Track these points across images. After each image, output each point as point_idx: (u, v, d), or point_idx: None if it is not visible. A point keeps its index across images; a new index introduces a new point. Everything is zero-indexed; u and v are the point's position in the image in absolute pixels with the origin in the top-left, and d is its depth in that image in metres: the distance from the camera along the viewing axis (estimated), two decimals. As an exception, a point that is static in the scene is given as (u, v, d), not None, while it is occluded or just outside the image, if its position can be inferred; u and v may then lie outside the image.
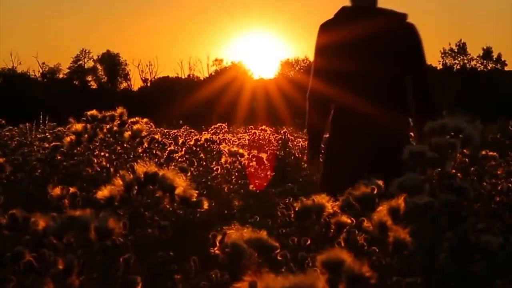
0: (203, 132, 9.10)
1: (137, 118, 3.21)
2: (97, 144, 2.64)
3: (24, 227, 1.32)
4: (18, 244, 1.26)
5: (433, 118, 2.81)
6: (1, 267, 1.30)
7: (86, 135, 2.52)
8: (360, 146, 2.80)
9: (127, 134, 2.65)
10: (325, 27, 2.94)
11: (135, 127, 2.68)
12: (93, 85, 46.04)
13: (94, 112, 2.64)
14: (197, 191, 1.38)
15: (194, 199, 1.36)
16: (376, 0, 2.90)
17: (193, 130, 9.95)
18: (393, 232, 1.14)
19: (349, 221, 1.43)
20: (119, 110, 2.71)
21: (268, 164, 4.53)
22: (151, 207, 1.53)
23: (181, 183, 1.35)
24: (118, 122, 2.64)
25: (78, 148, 3.23)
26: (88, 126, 2.57)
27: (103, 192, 1.31)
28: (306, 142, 3.20)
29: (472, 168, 3.23)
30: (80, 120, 2.91)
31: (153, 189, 1.41)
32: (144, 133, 2.69)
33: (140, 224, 1.58)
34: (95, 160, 3.02)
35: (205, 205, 1.39)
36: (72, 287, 1.03)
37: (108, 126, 2.67)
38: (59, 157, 4.01)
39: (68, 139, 2.56)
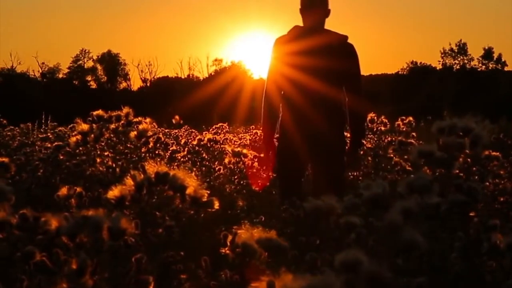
0: (204, 132, 9.08)
1: (140, 118, 3.21)
2: (103, 144, 2.63)
3: (34, 227, 1.32)
4: (30, 243, 1.26)
5: (360, 123, 3.63)
6: (12, 266, 1.31)
7: (92, 135, 2.51)
8: (303, 144, 3.43)
9: (133, 134, 2.65)
10: (280, 41, 3.59)
11: (140, 127, 2.68)
12: (93, 85, 45.96)
13: (100, 112, 2.63)
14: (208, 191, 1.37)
15: (205, 199, 1.36)
16: (323, 22, 3.56)
17: (193, 130, 9.93)
18: (405, 232, 1.14)
19: (358, 221, 1.43)
20: (125, 110, 2.70)
21: (270, 165, 4.53)
22: (161, 207, 1.53)
23: (191, 183, 1.34)
24: (124, 122, 2.63)
25: (80, 148, 3.23)
26: (94, 126, 2.56)
27: (113, 192, 1.31)
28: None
29: (474, 168, 3.23)
30: (82, 120, 2.90)
31: (164, 189, 1.41)
32: (149, 133, 2.68)
33: (148, 224, 1.58)
34: (98, 160, 3.02)
35: (216, 205, 1.38)
36: (85, 287, 1.02)
37: (113, 126, 2.66)
38: (61, 157, 4.01)
39: (74, 139, 2.55)
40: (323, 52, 3.45)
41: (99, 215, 1.13)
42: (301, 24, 3.59)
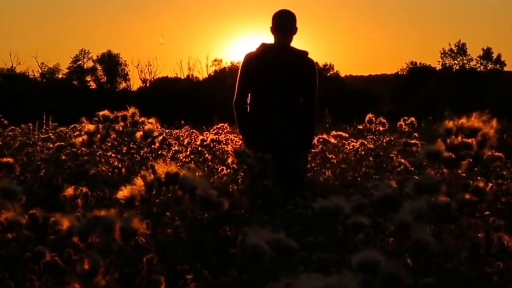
0: (205, 133, 9.07)
1: (144, 119, 3.20)
2: (109, 144, 2.63)
3: (44, 227, 1.32)
4: (40, 243, 1.26)
5: (310, 127, 4.14)
6: (21, 266, 1.30)
7: (98, 135, 2.50)
8: (269, 141, 3.89)
9: (138, 134, 2.64)
10: (249, 57, 4.10)
11: (146, 127, 2.68)
12: (92, 85, 45.87)
13: (106, 112, 2.62)
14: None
15: (215, 200, 1.36)
16: (290, 40, 4.08)
17: (194, 130, 9.93)
18: (415, 232, 1.14)
19: (366, 221, 1.43)
20: (131, 110, 2.70)
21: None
22: (168, 207, 1.53)
23: (201, 183, 1.34)
24: (131, 122, 2.62)
25: (83, 149, 3.23)
26: (100, 126, 2.55)
27: (123, 192, 1.31)
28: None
29: (476, 169, 3.22)
30: (85, 120, 2.90)
31: (169, 189, 1.40)
32: (155, 133, 2.68)
33: (155, 224, 1.58)
34: (102, 160, 3.01)
35: (226, 205, 1.38)
36: (98, 287, 1.02)
37: (118, 127, 2.65)
38: (63, 157, 4.01)
39: (80, 139, 2.55)
40: (286, 66, 4.02)
41: (111, 215, 1.13)
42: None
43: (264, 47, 4.10)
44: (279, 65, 4.02)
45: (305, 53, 4.12)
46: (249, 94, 4.11)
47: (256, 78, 4.03)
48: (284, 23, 4.09)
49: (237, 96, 4.10)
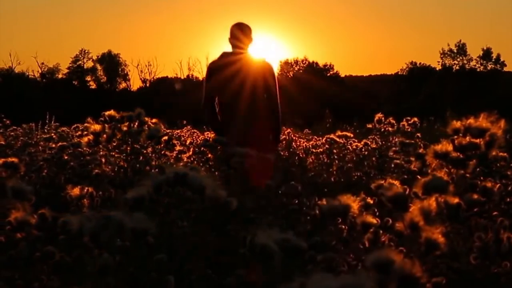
0: (206, 133, 9.09)
1: (146, 119, 3.20)
2: (114, 144, 2.62)
3: (53, 227, 1.32)
4: (49, 243, 1.26)
5: (277, 123, 4.72)
6: (31, 266, 1.30)
7: (104, 135, 2.50)
8: (239, 136, 4.40)
9: (143, 134, 2.64)
10: (212, 65, 4.69)
11: (152, 127, 2.67)
12: (92, 85, 45.82)
13: (112, 112, 2.63)
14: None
15: (223, 199, 1.36)
16: (248, 46, 4.69)
17: (195, 130, 9.94)
18: (425, 232, 1.14)
19: (374, 221, 1.43)
20: (137, 110, 2.70)
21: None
22: (174, 207, 1.53)
23: (209, 183, 1.34)
24: (138, 122, 2.62)
25: (85, 148, 3.23)
26: (106, 126, 2.55)
27: (132, 193, 1.30)
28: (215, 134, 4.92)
29: (478, 169, 3.22)
30: (85, 119, 2.89)
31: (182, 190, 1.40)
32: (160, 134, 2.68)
33: (160, 224, 1.58)
34: (104, 160, 3.01)
35: (234, 205, 1.38)
36: (108, 287, 1.02)
37: (123, 127, 2.64)
38: (66, 157, 4.01)
39: (85, 139, 2.55)
40: (248, 70, 4.58)
41: (121, 215, 1.13)
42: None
43: (226, 55, 4.68)
44: (240, 70, 4.56)
45: (262, 58, 4.70)
46: (216, 99, 4.64)
47: (218, 82, 4.54)
48: (239, 33, 4.68)
49: (204, 101, 4.65)
